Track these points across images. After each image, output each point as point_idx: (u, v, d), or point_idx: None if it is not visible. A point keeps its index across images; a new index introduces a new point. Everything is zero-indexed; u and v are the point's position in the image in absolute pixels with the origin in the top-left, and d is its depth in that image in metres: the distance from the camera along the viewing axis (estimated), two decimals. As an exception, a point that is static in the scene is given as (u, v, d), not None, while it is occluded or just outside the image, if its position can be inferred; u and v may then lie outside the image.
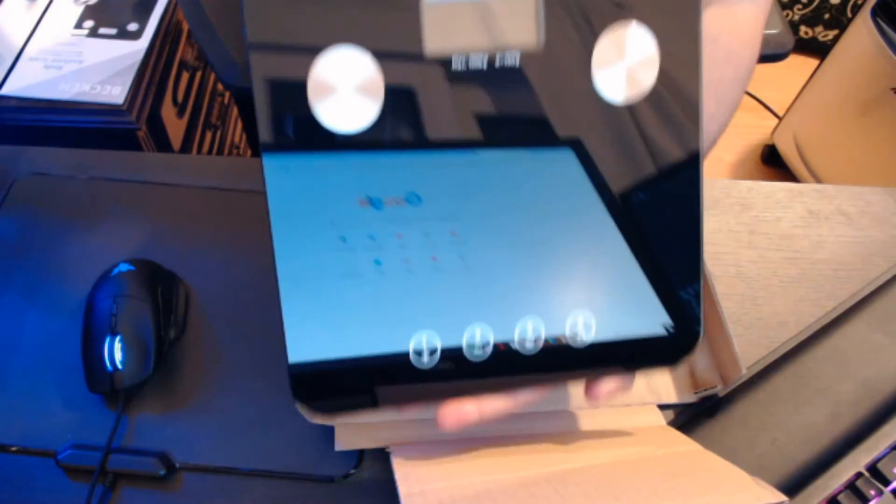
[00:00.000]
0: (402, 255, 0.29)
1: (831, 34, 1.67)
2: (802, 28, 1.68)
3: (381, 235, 0.29)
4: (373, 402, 0.30)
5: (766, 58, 0.80)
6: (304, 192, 0.28)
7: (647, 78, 0.30)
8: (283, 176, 0.28)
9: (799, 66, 1.56)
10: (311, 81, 0.27)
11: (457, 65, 0.28)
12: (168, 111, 0.89)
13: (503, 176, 0.30)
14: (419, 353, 0.30)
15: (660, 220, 0.31)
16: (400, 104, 0.28)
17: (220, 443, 0.42)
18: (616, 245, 0.31)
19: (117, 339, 0.43)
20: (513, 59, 0.28)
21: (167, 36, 0.89)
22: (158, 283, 0.46)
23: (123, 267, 0.46)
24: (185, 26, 0.94)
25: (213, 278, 0.49)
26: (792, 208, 0.56)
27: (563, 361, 0.31)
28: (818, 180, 1.37)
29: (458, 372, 0.30)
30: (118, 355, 0.42)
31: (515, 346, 0.30)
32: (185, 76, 0.96)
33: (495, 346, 0.30)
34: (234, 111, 1.18)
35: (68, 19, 0.87)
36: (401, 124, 0.28)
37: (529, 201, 0.30)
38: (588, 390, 0.32)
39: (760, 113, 1.62)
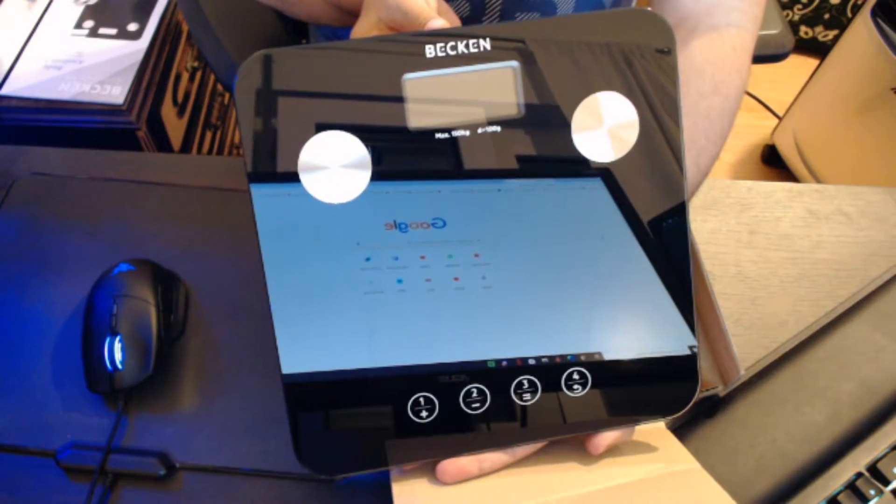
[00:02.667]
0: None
1: (831, 34, 1.67)
2: (802, 28, 1.68)
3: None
4: (378, 461, 0.31)
5: (766, 58, 0.80)
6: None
7: (627, 141, 0.31)
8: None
9: (799, 66, 1.56)
10: (301, 163, 0.29)
11: (441, 136, 0.29)
12: (168, 111, 0.89)
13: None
14: (418, 410, 0.31)
15: (645, 285, 0.32)
16: (387, 173, 0.29)
17: (220, 443, 0.42)
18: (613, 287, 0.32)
19: (117, 339, 0.43)
20: (494, 127, 0.30)
21: (167, 36, 0.89)
22: (158, 283, 0.46)
23: (123, 267, 0.46)
24: (185, 27, 0.94)
25: (213, 278, 0.49)
26: (792, 208, 0.56)
27: (561, 412, 0.32)
28: (818, 180, 1.37)
29: (457, 424, 0.31)
30: (118, 355, 0.42)
31: (513, 397, 0.31)
32: (185, 76, 0.96)
33: (493, 399, 0.31)
34: (235, 111, 1.18)
35: (68, 19, 0.87)
36: (389, 189, 0.30)
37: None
38: (589, 442, 0.32)
39: (760, 113, 1.62)
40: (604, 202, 0.31)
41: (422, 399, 0.30)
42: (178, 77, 0.93)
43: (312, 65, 0.28)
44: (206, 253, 0.50)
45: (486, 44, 0.29)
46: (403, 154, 0.29)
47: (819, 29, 1.68)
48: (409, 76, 0.29)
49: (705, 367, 0.45)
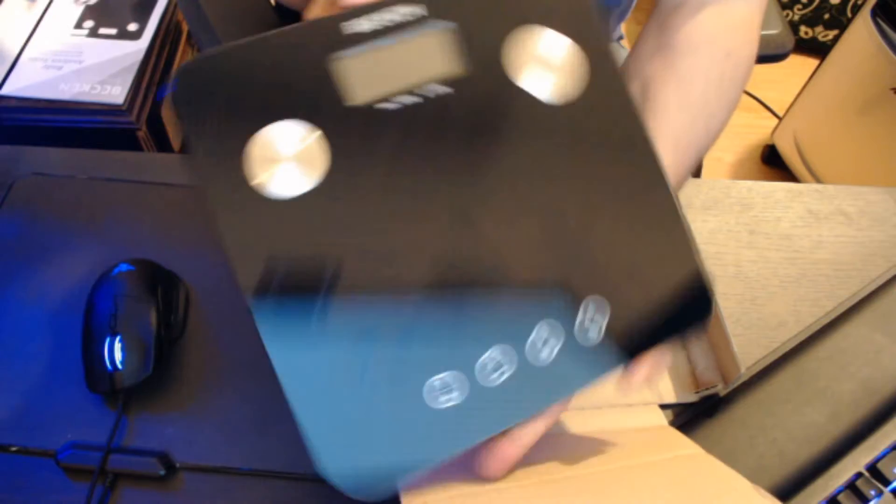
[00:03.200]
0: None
1: (831, 34, 1.67)
2: (802, 28, 1.68)
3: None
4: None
5: (766, 58, 0.80)
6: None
7: (571, 74, 0.31)
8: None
9: (799, 66, 1.56)
10: (250, 163, 0.27)
11: (386, 107, 0.29)
12: (168, 111, 0.89)
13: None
14: (436, 395, 0.29)
15: (633, 211, 0.32)
16: (345, 158, 0.28)
17: (220, 443, 0.42)
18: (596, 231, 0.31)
19: (117, 339, 0.43)
20: (440, 90, 0.29)
21: (167, 36, 0.89)
22: (158, 283, 0.46)
23: (123, 267, 0.46)
24: (185, 27, 0.94)
25: (213, 278, 0.49)
26: (792, 208, 0.56)
27: (583, 361, 0.31)
28: (818, 180, 1.37)
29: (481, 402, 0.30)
30: (118, 355, 0.42)
31: (529, 359, 0.30)
32: (185, 76, 0.96)
33: (519, 362, 0.30)
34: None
35: (68, 19, 0.87)
36: (352, 176, 0.28)
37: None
38: (623, 377, 0.32)
39: (760, 113, 1.62)
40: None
41: (437, 383, 0.29)
42: (178, 77, 0.93)
43: (242, 63, 0.28)
44: (206, 253, 0.50)
45: (419, 10, 0.29)
46: (356, 132, 0.29)
47: (819, 29, 1.68)
48: (345, 53, 0.28)
49: (706, 367, 0.45)
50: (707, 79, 0.42)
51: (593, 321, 0.31)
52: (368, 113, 0.28)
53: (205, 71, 0.27)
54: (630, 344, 0.31)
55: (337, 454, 0.28)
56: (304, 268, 0.28)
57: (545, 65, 0.31)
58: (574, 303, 0.31)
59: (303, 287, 0.28)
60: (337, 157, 0.28)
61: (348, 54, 0.28)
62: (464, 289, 0.30)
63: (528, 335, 0.30)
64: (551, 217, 0.31)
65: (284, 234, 0.28)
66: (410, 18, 0.29)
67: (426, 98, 0.29)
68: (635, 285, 0.31)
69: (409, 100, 0.29)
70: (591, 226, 0.31)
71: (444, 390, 0.29)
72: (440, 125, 0.29)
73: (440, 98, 0.29)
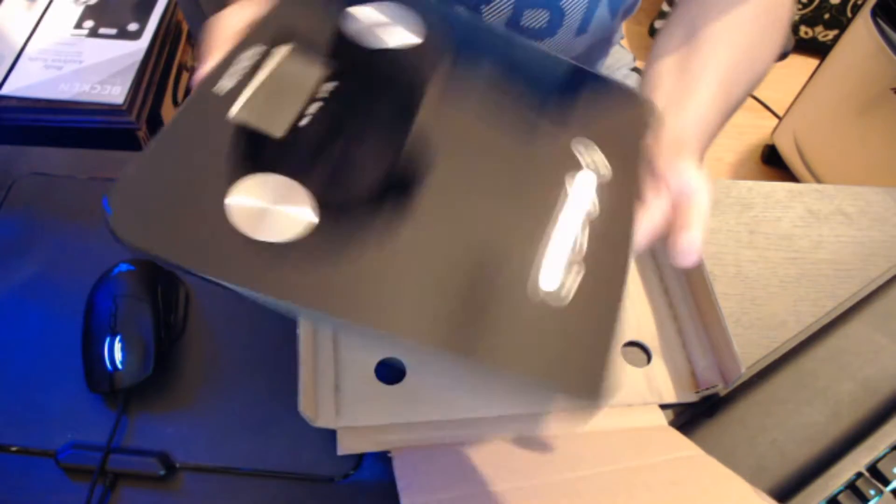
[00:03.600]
0: None
1: (831, 34, 1.67)
2: (802, 28, 1.68)
3: None
4: None
5: (766, 58, 0.80)
6: None
7: (399, 28, 0.35)
8: None
9: (799, 66, 1.56)
10: (236, 221, 0.27)
11: (307, 121, 0.30)
12: (168, 111, 0.89)
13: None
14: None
15: (541, 81, 0.36)
16: (315, 174, 0.29)
17: (220, 443, 0.42)
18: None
19: (117, 339, 0.43)
20: (330, 86, 0.32)
21: (167, 36, 0.89)
22: (158, 283, 0.46)
23: (123, 267, 0.46)
24: (185, 26, 0.94)
25: (213, 278, 0.49)
26: (792, 208, 0.56)
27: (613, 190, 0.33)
28: (818, 180, 1.37)
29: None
30: (118, 355, 0.42)
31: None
32: (185, 76, 0.96)
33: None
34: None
35: (68, 19, 0.87)
36: (333, 183, 0.29)
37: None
38: (673, 252, 0.33)
39: (760, 113, 1.63)
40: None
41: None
42: (178, 77, 0.93)
43: (165, 164, 0.28)
44: (206, 253, 0.50)
45: (259, 48, 0.31)
46: (302, 150, 0.30)
47: (819, 29, 1.68)
48: (239, 104, 0.29)
49: (706, 367, 0.45)
50: (751, 28, 0.44)
51: (592, 157, 0.33)
52: (298, 132, 0.30)
53: (133, 190, 0.27)
54: (627, 156, 0.34)
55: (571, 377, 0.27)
56: (370, 267, 0.28)
57: (387, 24, 0.34)
58: (568, 149, 0.33)
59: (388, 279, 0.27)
60: (307, 176, 0.29)
61: (242, 103, 0.30)
62: (498, 201, 0.31)
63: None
64: (492, 115, 0.34)
65: (328, 258, 0.27)
66: (259, 57, 0.31)
67: (328, 98, 0.31)
68: (591, 116, 0.35)
69: (317, 106, 0.31)
70: (524, 102, 0.34)
71: (560, 286, 0.29)
72: (358, 107, 0.32)
73: (337, 89, 0.31)
